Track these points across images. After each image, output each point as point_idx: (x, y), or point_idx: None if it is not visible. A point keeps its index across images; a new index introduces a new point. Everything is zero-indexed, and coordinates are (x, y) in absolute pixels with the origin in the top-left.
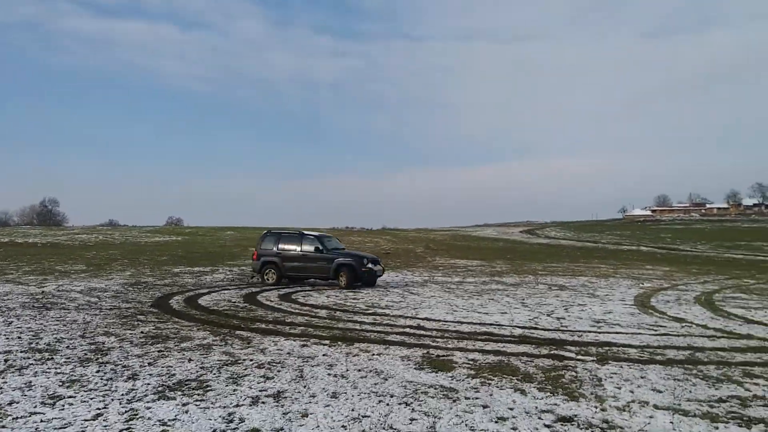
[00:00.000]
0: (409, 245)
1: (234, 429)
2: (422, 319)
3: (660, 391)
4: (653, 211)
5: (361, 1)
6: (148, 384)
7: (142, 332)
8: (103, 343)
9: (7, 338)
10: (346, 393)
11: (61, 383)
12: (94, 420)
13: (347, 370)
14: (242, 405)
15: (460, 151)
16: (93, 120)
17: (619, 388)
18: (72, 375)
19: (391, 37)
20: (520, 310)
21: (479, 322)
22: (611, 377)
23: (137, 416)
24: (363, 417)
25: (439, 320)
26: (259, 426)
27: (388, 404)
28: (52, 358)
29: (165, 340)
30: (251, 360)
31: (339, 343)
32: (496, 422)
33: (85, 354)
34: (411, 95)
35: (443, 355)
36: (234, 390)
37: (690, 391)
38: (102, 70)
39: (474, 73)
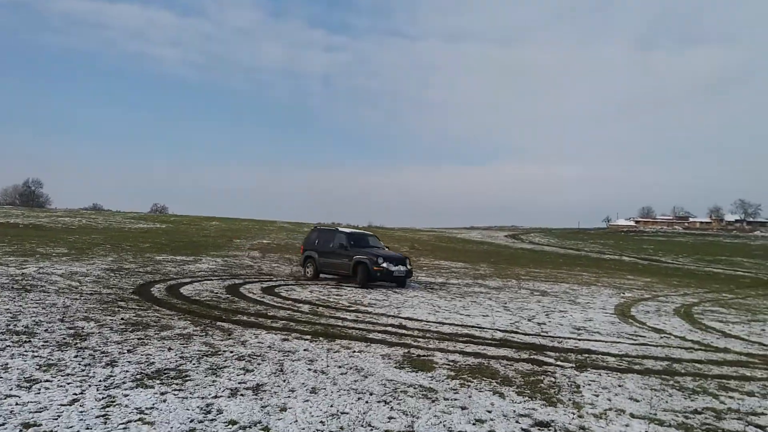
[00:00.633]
0: (395, 244)
1: (211, 420)
2: (404, 318)
3: (637, 400)
4: (637, 222)
5: None
6: (127, 371)
7: (122, 319)
8: (83, 328)
9: None
10: (325, 389)
11: (38, 367)
12: (70, 405)
13: (328, 366)
14: (221, 396)
15: (449, 150)
16: (81, 103)
17: (597, 396)
18: (49, 359)
19: (384, 34)
20: (502, 313)
21: (461, 323)
22: (589, 384)
23: (114, 403)
24: (341, 413)
25: (421, 320)
26: (237, 418)
27: (367, 402)
28: (30, 341)
29: (145, 328)
30: (231, 352)
31: (320, 338)
32: (473, 424)
33: (64, 338)
34: (402, 93)
35: (424, 355)
36: (213, 381)
37: (666, 402)
38: (92, 53)
39: (466, 73)
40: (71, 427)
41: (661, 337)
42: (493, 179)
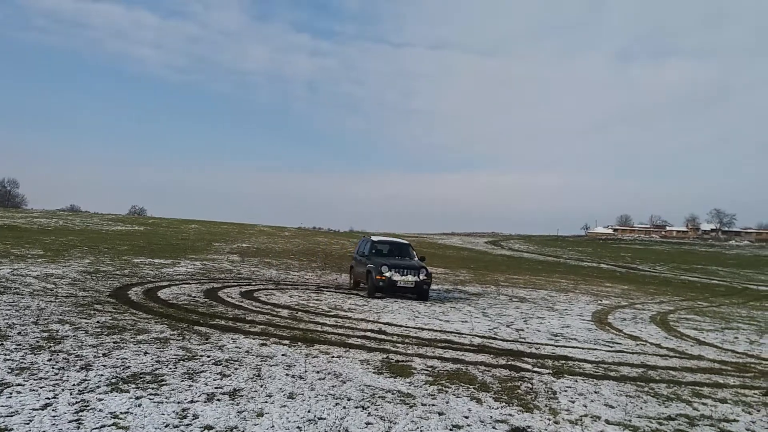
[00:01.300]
0: None
1: (187, 425)
2: (384, 323)
3: (612, 407)
4: (615, 230)
5: (343, 3)
6: (102, 375)
7: (98, 322)
8: (57, 332)
9: None
10: (303, 394)
11: (10, 370)
12: (42, 410)
13: (306, 371)
14: (197, 401)
15: (431, 157)
16: (60, 102)
17: (573, 402)
18: (22, 362)
19: (370, 41)
20: (481, 319)
21: (440, 329)
22: (566, 390)
23: (88, 408)
24: (319, 419)
25: (401, 326)
26: (213, 423)
27: (344, 407)
28: (2, 344)
29: (121, 332)
30: (209, 356)
31: (299, 343)
32: (450, 430)
33: (37, 341)
34: (386, 99)
35: (402, 361)
36: (189, 386)
37: (641, 408)
38: (74, 52)
39: (449, 82)
40: (43, 431)
41: (637, 345)
42: (474, 186)
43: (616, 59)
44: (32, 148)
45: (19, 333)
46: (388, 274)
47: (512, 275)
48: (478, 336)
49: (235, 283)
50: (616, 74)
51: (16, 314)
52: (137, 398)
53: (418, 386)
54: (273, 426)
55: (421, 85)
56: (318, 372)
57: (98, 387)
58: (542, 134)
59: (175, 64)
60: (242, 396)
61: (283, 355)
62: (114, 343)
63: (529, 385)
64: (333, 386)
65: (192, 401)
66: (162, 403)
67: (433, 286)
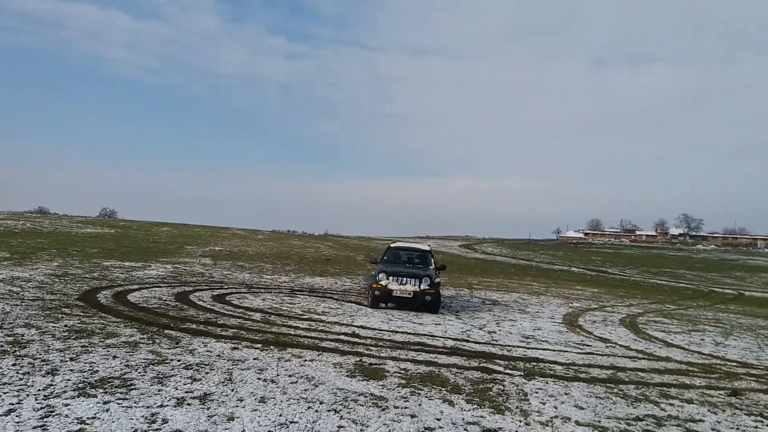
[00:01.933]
0: (350, 252)
1: (156, 430)
2: (358, 326)
3: (582, 408)
4: (586, 234)
5: (319, 7)
6: (68, 380)
7: (65, 326)
8: (23, 335)
9: None
10: (275, 398)
11: None
12: (6, 416)
13: (278, 375)
14: (166, 406)
15: (406, 161)
16: (29, 102)
17: (544, 404)
18: None
19: (345, 45)
20: (454, 322)
21: (413, 332)
22: (537, 392)
23: (53, 413)
24: (290, 423)
25: (375, 329)
26: (183, 428)
27: (317, 411)
28: None
29: (90, 336)
30: (179, 360)
31: (271, 347)
32: None
33: (2, 346)
34: (361, 103)
35: (375, 364)
36: (159, 390)
37: (610, 409)
38: (46, 51)
39: (424, 86)
40: None
41: (607, 347)
42: (449, 190)
43: (592, 65)
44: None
45: None
46: (383, 283)
47: (485, 278)
48: (451, 338)
49: (207, 287)
50: (591, 80)
51: None
52: (105, 403)
53: (390, 389)
54: (244, 430)
55: (396, 90)
56: (290, 376)
57: (64, 392)
58: (517, 139)
59: (149, 65)
60: (213, 400)
61: (255, 359)
62: (82, 347)
63: (501, 387)
64: (305, 390)
65: (161, 406)
66: (131, 407)
67: None
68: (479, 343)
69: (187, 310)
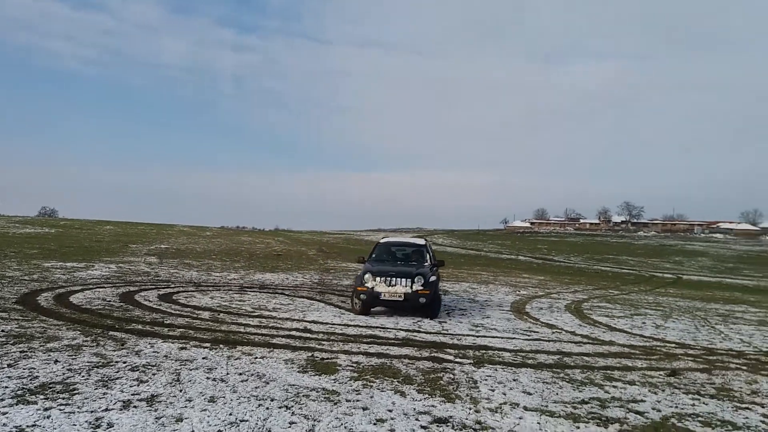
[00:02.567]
0: (302, 247)
1: None
2: (309, 321)
3: (530, 393)
4: (532, 223)
5: None
6: (6, 387)
7: (2, 331)
8: None
9: None
10: (224, 397)
11: None
12: None
13: (227, 374)
14: (112, 409)
15: (357, 155)
16: None
17: (493, 390)
18: None
19: (294, 37)
20: (405, 313)
21: (365, 324)
22: (486, 380)
23: None
24: (241, 421)
25: (327, 323)
26: (129, 431)
27: (268, 408)
28: None
29: (29, 340)
30: (124, 362)
31: (221, 346)
32: (374, 424)
33: None
34: (311, 96)
35: (327, 358)
36: (104, 393)
37: (557, 394)
38: None
39: (376, 80)
40: None
41: (553, 333)
42: (401, 183)
43: (538, 60)
44: None
45: None
46: (370, 285)
47: None
48: (403, 330)
49: (153, 286)
50: (538, 75)
51: None
52: (46, 409)
53: (342, 383)
54: (193, 430)
55: (346, 83)
56: (240, 374)
57: (2, 400)
58: (465, 132)
59: (89, 57)
60: (160, 402)
61: (203, 358)
62: (21, 352)
63: (452, 376)
64: (256, 387)
65: (107, 409)
66: (74, 413)
67: None
68: (430, 333)
69: (133, 310)
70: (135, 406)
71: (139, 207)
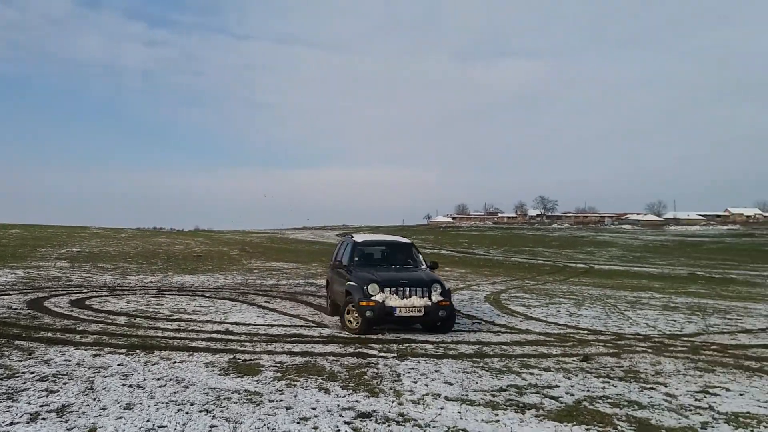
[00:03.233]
0: (224, 247)
1: None
2: (231, 323)
3: (451, 384)
4: (453, 218)
5: None
6: None
7: None
8: None
9: None
10: (141, 403)
11: None
12: None
13: (144, 380)
14: (17, 423)
15: (280, 152)
16: None
17: (416, 382)
18: None
19: (211, 31)
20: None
21: (290, 324)
22: (409, 372)
23: None
24: (159, 427)
25: (249, 324)
26: None
27: (187, 413)
28: None
29: None
30: (32, 373)
31: (137, 351)
32: (298, 423)
33: None
34: (230, 92)
35: (250, 359)
36: (9, 407)
37: (476, 383)
38: None
39: (297, 77)
40: None
41: (473, 323)
42: (325, 181)
43: (455, 59)
44: None
45: None
46: (378, 297)
47: None
48: (328, 327)
49: (64, 292)
50: (455, 73)
51: None
52: None
53: (265, 383)
54: None
55: (266, 79)
56: (158, 379)
57: None
58: (389, 130)
59: None
60: (72, 411)
61: (119, 364)
62: None
63: (376, 370)
64: (175, 392)
65: (12, 423)
66: None
67: (283, 281)
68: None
69: (42, 317)
70: (44, 418)
71: (49, 209)
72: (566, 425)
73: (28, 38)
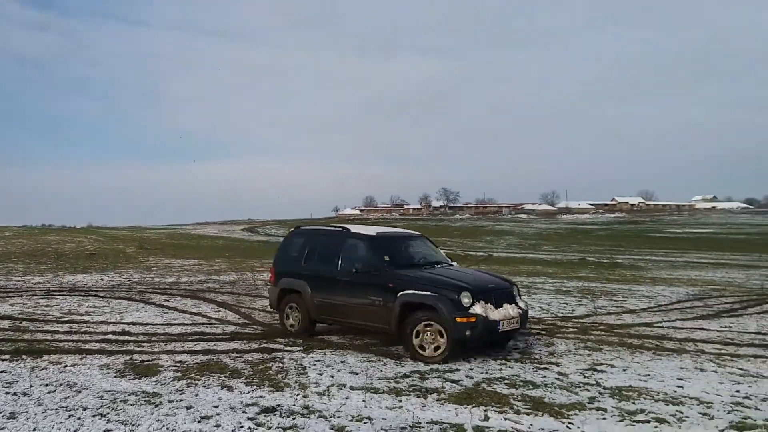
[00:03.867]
0: (119, 245)
1: None
2: (128, 323)
3: (356, 373)
4: (361, 210)
5: None
6: None
7: None
8: None
9: None
10: (27, 412)
11: None
12: None
13: (31, 387)
14: None
15: (179, 145)
16: None
17: (321, 374)
18: None
19: (101, 17)
20: (236, 306)
21: (191, 322)
22: (315, 365)
23: None
24: None
25: (147, 324)
26: None
27: (79, 418)
28: None
29: None
30: None
31: (23, 356)
32: (199, 422)
33: None
34: (125, 83)
35: (148, 360)
36: None
37: (381, 371)
38: None
39: (196, 67)
40: None
41: None
42: (228, 175)
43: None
44: None
45: None
46: (478, 309)
47: (268, 260)
48: (232, 323)
49: None
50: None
51: None
52: None
53: (165, 384)
54: None
55: (167, 69)
56: (47, 385)
57: None
58: (294, 122)
59: None
60: None
61: (2, 371)
62: None
63: (281, 365)
64: (65, 398)
65: None
66: None
67: (184, 279)
68: (262, 324)
69: None
70: None
71: None
72: (466, 407)
73: None
